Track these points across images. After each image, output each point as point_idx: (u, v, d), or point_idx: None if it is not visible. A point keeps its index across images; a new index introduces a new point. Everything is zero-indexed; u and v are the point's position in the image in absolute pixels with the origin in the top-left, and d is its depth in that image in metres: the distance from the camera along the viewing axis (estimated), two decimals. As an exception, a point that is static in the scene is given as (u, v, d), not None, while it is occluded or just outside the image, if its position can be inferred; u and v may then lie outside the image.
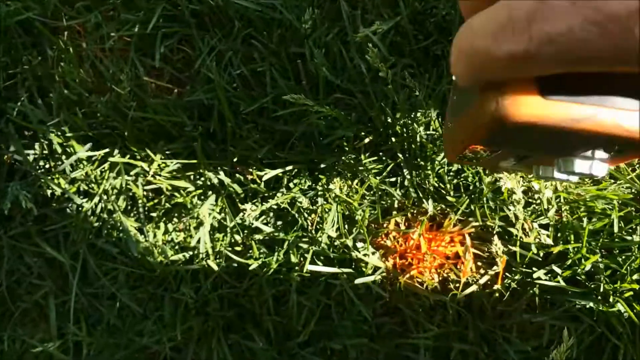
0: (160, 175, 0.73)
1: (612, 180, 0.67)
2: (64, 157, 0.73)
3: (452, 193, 0.70)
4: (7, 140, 0.74)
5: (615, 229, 0.66)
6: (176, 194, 0.74)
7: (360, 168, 0.69)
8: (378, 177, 0.70)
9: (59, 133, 0.72)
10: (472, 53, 0.22)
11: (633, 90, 0.26)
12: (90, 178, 0.74)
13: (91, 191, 0.75)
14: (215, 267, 0.71)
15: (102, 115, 0.69)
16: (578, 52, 0.19)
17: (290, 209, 0.71)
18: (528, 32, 0.19)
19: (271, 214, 0.72)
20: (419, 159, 0.70)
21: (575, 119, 0.26)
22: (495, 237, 0.62)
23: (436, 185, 0.70)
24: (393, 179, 0.72)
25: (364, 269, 0.70)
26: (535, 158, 0.37)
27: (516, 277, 0.69)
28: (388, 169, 0.70)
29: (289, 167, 0.68)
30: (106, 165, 0.73)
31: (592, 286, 0.66)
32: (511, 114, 0.26)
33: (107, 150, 0.73)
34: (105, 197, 0.75)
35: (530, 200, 0.70)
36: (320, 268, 0.70)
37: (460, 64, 0.23)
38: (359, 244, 0.69)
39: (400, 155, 0.70)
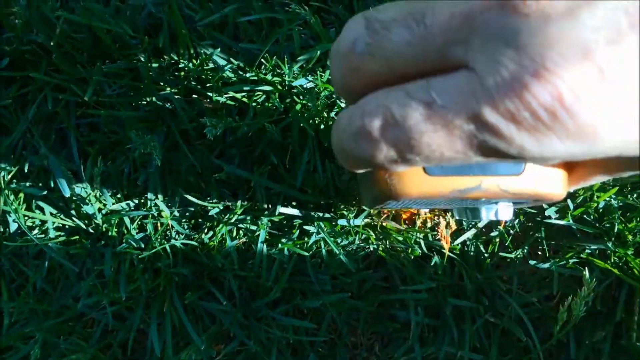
0: (98, 106, 0.60)
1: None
2: (-27, 80, 0.59)
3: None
4: None
5: (630, 162, 0.58)
6: (117, 128, 0.61)
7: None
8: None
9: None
10: (343, 152, 0.23)
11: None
12: (8, 108, 0.60)
13: (9, 126, 0.61)
14: (168, 213, 0.59)
15: (22, 22, 0.55)
16: (436, 156, 0.20)
17: (257, 143, 0.59)
18: (383, 139, 0.21)
19: (233, 152, 0.60)
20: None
21: (461, 190, 0.28)
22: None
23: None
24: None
25: (345, 212, 0.59)
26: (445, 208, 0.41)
27: (517, 221, 0.60)
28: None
29: (257, 89, 0.57)
30: (28, 91, 0.59)
31: (605, 226, 0.58)
32: (399, 192, 0.29)
33: (28, 72, 0.59)
34: (28, 132, 0.61)
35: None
36: (293, 211, 0.59)
37: (339, 158, 0.24)
38: (338, 181, 0.58)
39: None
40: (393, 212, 0.60)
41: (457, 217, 0.39)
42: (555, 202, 0.30)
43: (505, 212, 0.34)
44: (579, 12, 0.17)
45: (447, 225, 0.58)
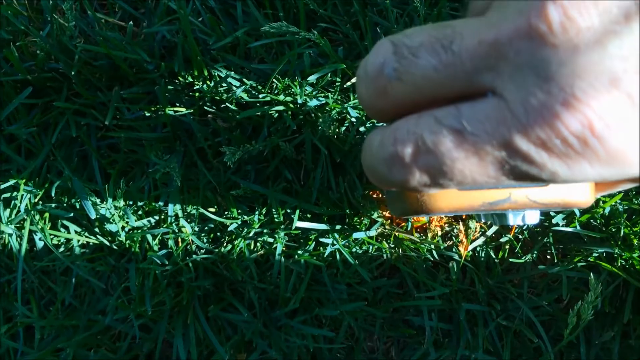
0: (117, 127, 0.63)
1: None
2: (-2, 108, 0.61)
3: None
4: None
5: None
6: (136, 149, 0.63)
7: (351, 107, 0.60)
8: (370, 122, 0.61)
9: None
10: (376, 175, 0.24)
11: None
12: (32, 133, 0.62)
13: (34, 150, 0.63)
14: (189, 229, 0.61)
15: (44, 53, 0.58)
16: (468, 181, 0.21)
17: (272, 160, 0.61)
18: (415, 165, 0.21)
19: (248, 168, 0.62)
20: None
21: (491, 203, 0.29)
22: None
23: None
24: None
25: (357, 225, 0.62)
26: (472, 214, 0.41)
27: (525, 227, 0.62)
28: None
29: (270, 109, 0.59)
30: (50, 117, 0.62)
31: (612, 231, 0.60)
32: (431, 207, 0.29)
33: (50, 98, 0.61)
34: (51, 156, 0.63)
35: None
36: (309, 225, 0.61)
37: (371, 179, 0.25)
38: (352, 197, 0.60)
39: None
40: (408, 222, 0.62)
41: (483, 221, 0.40)
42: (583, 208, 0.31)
43: (532, 217, 0.34)
44: (607, 42, 0.17)
45: (467, 230, 0.60)
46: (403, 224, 0.62)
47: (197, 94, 0.61)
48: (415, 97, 0.22)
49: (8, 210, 0.64)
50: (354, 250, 0.62)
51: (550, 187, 0.29)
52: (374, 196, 0.63)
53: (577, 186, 0.29)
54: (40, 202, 0.64)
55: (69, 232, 0.64)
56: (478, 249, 0.63)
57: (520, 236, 0.63)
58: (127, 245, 0.63)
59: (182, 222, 0.61)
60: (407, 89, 0.22)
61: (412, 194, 0.30)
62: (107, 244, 0.64)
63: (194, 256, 0.62)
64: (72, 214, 0.61)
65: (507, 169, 0.20)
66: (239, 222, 0.62)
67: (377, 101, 0.23)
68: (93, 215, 0.59)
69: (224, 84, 0.60)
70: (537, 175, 0.20)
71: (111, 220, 0.61)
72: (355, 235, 0.59)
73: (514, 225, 0.36)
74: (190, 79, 0.61)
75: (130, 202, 0.64)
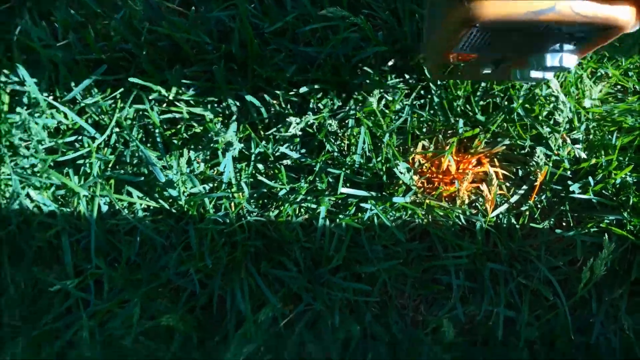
0: (178, 103, 0.70)
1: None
2: (72, 83, 0.68)
3: (480, 113, 0.69)
4: (9, 67, 0.69)
5: (645, 143, 0.66)
6: (194, 123, 0.70)
7: (389, 88, 0.66)
8: (406, 100, 0.68)
9: (68, 57, 0.67)
10: None
11: None
12: (102, 108, 0.69)
13: (102, 122, 0.71)
14: (246, 192, 0.68)
15: (116, 35, 0.65)
16: None
17: (317, 134, 0.68)
18: None
19: (297, 140, 0.69)
20: (446, 80, 0.68)
21: (536, 12, 0.30)
22: (538, 149, 0.62)
23: (463, 108, 0.69)
24: (422, 102, 0.70)
25: (394, 193, 0.69)
26: (511, 61, 0.43)
27: (544, 196, 0.69)
28: (416, 90, 0.69)
29: (317, 87, 0.66)
30: (119, 93, 0.69)
31: (622, 200, 0.67)
32: (478, 14, 0.31)
33: (120, 76, 0.68)
34: (117, 129, 0.71)
35: (558, 119, 0.69)
36: (352, 191, 0.68)
37: None
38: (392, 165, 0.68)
39: (428, 75, 0.68)
40: (437, 185, 0.69)
41: (519, 78, 0.41)
42: (623, 33, 0.33)
43: (569, 60, 0.35)
44: None
45: (490, 187, 0.67)
46: (434, 192, 0.70)
47: (251, 73, 0.68)
48: None
49: (76, 177, 0.72)
50: (389, 215, 0.69)
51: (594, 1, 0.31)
52: (409, 165, 0.70)
53: (619, 5, 0.31)
54: (109, 169, 0.71)
55: (132, 197, 0.71)
56: (501, 216, 0.70)
57: (539, 204, 0.70)
58: (186, 209, 0.71)
59: (242, 184, 0.68)
60: None
61: (459, 2, 0.32)
62: (167, 207, 0.71)
63: (248, 217, 0.69)
64: (142, 179, 0.68)
65: None
66: (287, 188, 0.69)
67: None
68: (162, 179, 0.67)
69: (275, 64, 0.67)
70: None
71: (175, 185, 0.68)
72: (394, 199, 0.66)
73: (551, 66, 0.36)
74: (244, 59, 0.68)
75: (188, 170, 0.71)
